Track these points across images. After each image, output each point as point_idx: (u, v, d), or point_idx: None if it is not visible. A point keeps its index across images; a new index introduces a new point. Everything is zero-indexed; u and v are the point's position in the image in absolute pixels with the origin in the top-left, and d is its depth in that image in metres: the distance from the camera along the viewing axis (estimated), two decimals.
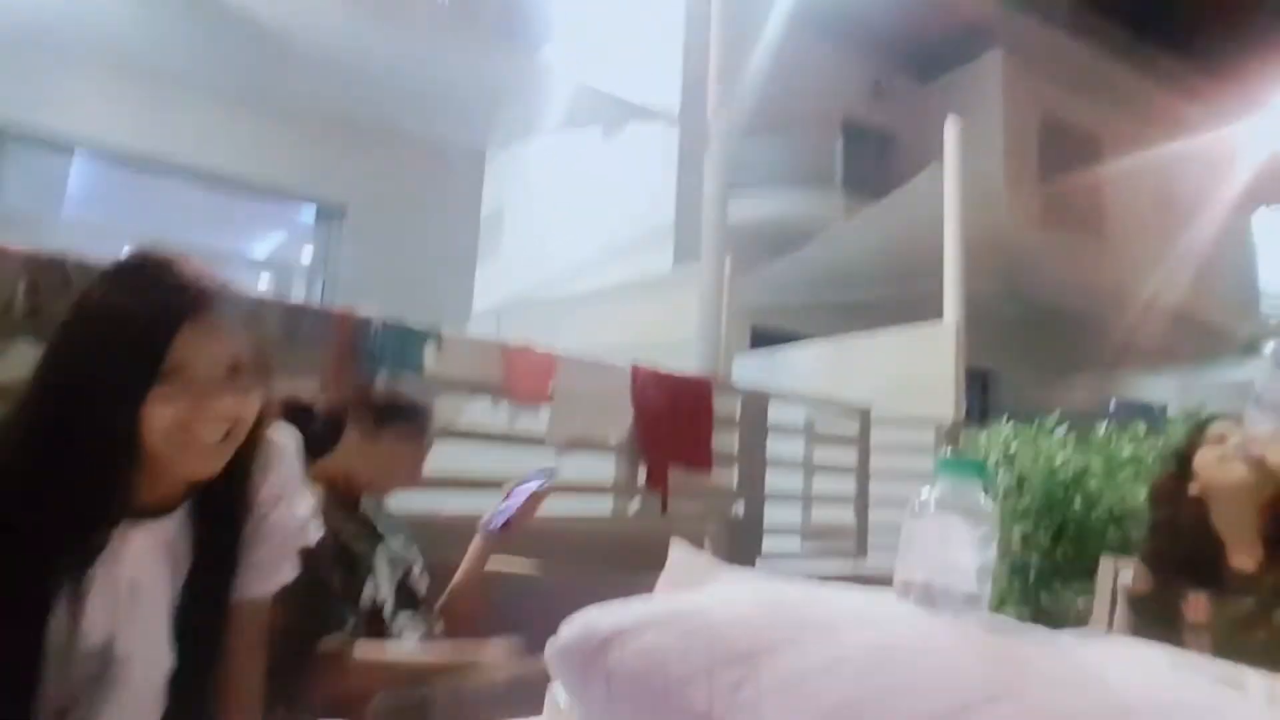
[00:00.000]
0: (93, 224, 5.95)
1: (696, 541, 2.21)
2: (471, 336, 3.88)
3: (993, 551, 0.66)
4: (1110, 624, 1.91)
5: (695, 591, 0.69)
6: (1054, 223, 9.22)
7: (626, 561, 2.13)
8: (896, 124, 9.94)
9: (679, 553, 1.92)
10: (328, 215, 6.68)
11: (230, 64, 5.54)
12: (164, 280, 0.87)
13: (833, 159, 8.79)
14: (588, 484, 3.72)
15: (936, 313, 5.91)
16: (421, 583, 1.64)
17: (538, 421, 3.37)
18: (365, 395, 1.68)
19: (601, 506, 3.89)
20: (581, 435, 3.61)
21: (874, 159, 9.41)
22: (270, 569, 1.02)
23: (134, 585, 0.88)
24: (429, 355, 3.25)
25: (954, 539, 0.64)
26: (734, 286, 5.38)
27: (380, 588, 1.52)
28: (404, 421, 1.63)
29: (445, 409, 3.23)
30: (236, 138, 5.99)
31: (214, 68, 5.57)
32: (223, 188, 6.22)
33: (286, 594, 1.16)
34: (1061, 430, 2.68)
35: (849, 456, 4.95)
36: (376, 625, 1.50)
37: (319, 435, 1.52)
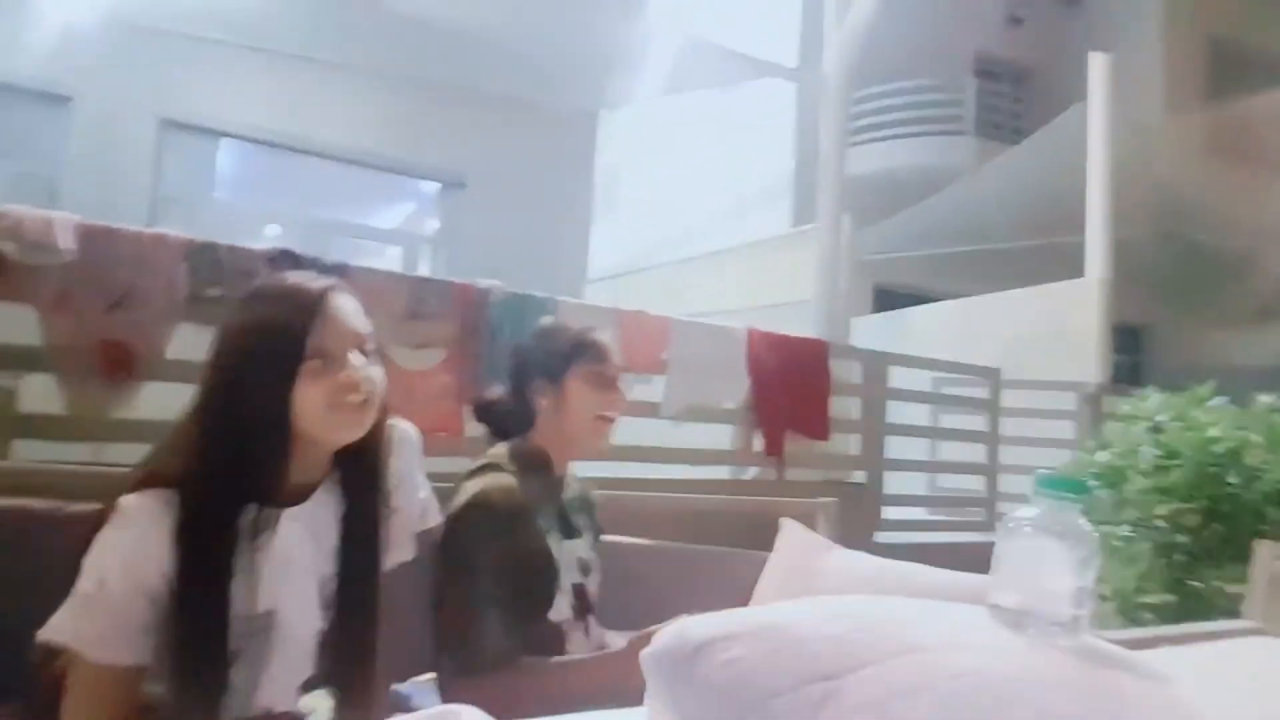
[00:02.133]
0: (238, 206, 6.44)
1: (802, 510, 2.17)
2: (586, 304, 3.95)
3: (1093, 574, 0.62)
4: (1264, 613, 1.76)
5: (792, 601, 0.69)
6: (1221, 154, 8.27)
7: (744, 531, 2.12)
8: (1036, 59, 9.15)
9: (790, 532, 1.91)
10: (449, 187, 6.91)
11: (352, 42, 5.78)
12: (289, 291, 1.02)
13: (963, 102, 8.22)
14: (704, 452, 3.73)
15: (1080, 267, 5.49)
16: (594, 585, 1.46)
17: (653, 390, 3.40)
18: (549, 341, 1.46)
19: (718, 475, 3.90)
20: (697, 403, 3.62)
21: (1010, 100, 8.74)
22: (389, 546, 1.13)
23: (287, 558, 1.02)
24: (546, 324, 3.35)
25: (1051, 562, 0.60)
26: (856, 244, 5.19)
27: (562, 590, 1.37)
28: (591, 360, 1.43)
29: None
30: (363, 116, 6.28)
31: (338, 47, 5.82)
32: (352, 165, 6.55)
33: (474, 590, 1.24)
34: (1217, 401, 2.45)
35: (979, 422, 4.73)
36: (552, 635, 1.34)
37: (511, 417, 1.44)
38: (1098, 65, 5.04)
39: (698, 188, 8.63)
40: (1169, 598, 2.22)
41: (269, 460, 0.99)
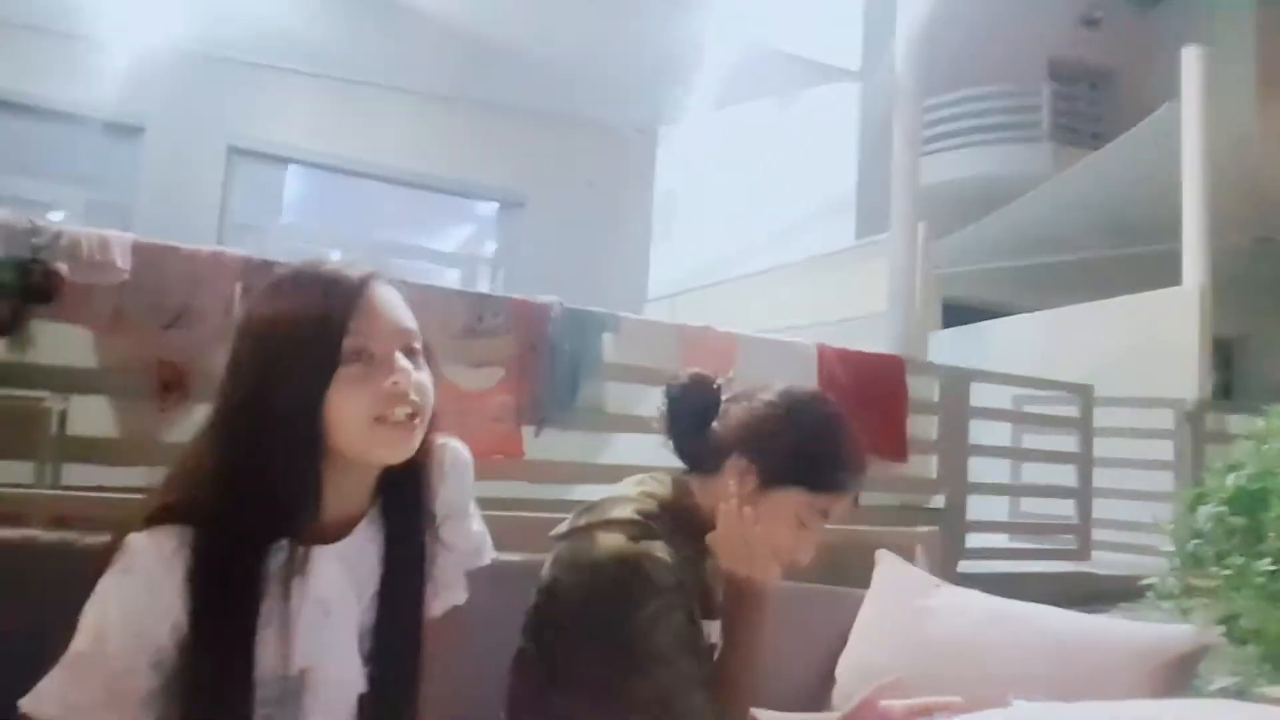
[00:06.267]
0: (303, 230, 6.53)
1: (897, 541, 1.96)
2: (649, 320, 3.81)
3: None
4: None
5: None
6: None
7: (824, 565, 1.92)
8: (1114, 61, 8.75)
9: (889, 566, 1.71)
10: (508, 207, 6.89)
11: (410, 65, 5.83)
12: (322, 277, 0.86)
13: (1039, 107, 7.88)
14: None
15: (1168, 276, 5.13)
16: None
17: None
18: (802, 426, 1.08)
19: None
20: None
21: (1087, 103, 8.35)
22: (439, 587, 0.96)
23: (325, 607, 0.86)
24: (606, 342, 3.21)
25: None
26: (926, 256, 4.94)
27: None
28: (825, 487, 1.06)
29: (624, 398, 3.17)
30: (422, 138, 6.31)
31: (396, 71, 5.88)
32: (412, 187, 6.58)
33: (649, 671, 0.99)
34: None
35: (1067, 442, 4.41)
36: None
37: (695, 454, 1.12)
38: (1192, 60, 4.72)
39: (756, 201, 8.46)
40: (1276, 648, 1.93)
41: (300, 486, 0.82)
